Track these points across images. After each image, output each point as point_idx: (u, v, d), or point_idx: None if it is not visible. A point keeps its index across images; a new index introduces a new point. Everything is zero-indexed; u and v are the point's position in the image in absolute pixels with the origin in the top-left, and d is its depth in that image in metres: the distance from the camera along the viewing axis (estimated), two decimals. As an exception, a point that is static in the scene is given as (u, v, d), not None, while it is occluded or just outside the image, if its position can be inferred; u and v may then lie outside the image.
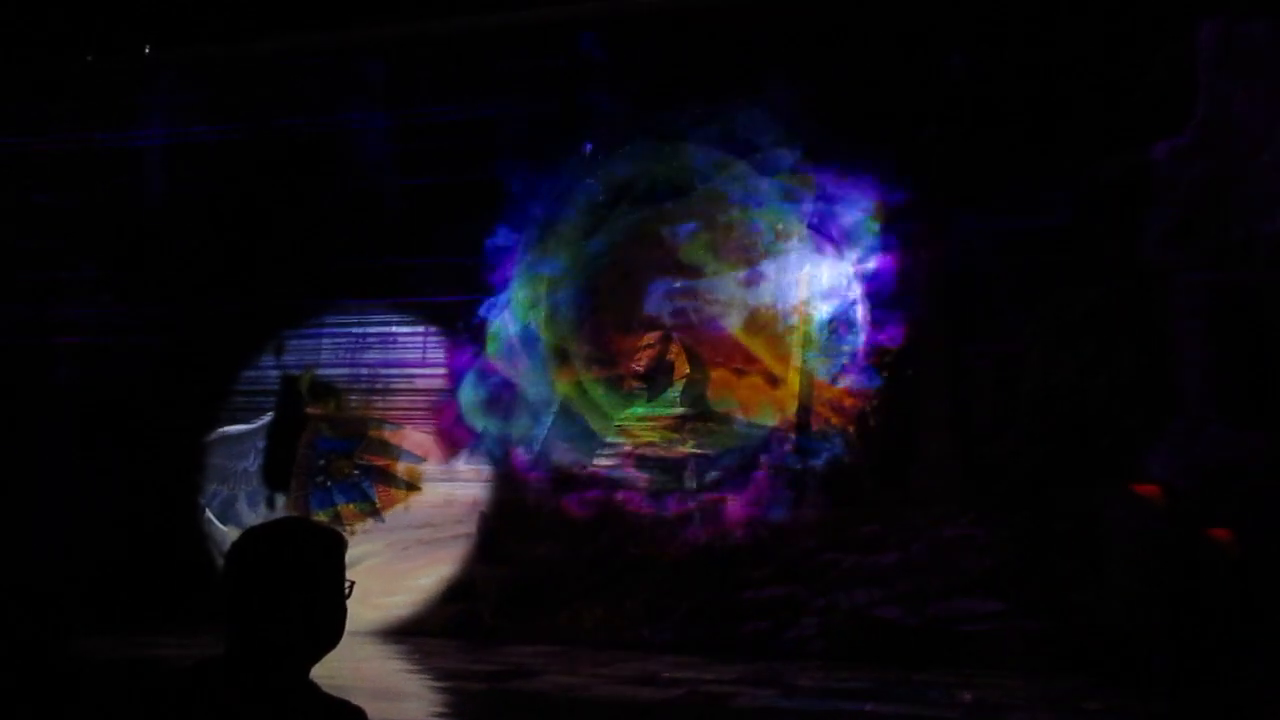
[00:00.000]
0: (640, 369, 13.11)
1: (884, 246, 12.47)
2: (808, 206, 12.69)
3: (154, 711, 1.77)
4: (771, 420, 12.80)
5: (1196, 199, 10.73)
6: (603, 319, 13.22)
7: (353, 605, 1.86)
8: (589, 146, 13.34)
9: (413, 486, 13.59)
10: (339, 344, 14.05)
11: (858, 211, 12.47)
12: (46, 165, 13.82)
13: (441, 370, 13.81)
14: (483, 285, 13.49)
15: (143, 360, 13.39)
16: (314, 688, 1.79)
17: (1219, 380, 10.20)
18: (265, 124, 13.62)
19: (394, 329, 14.04)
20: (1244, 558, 8.38)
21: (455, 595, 12.84)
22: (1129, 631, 9.54)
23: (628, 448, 12.96)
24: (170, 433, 13.44)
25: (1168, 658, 9.03)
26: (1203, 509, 9.50)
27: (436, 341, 13.85)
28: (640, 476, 12.80)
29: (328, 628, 1.81)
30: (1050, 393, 11.33)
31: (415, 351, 13.97)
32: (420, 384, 13.90)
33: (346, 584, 1.85)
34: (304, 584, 1.79)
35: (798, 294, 12.80)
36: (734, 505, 12.43)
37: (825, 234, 12.67)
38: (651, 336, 13.11)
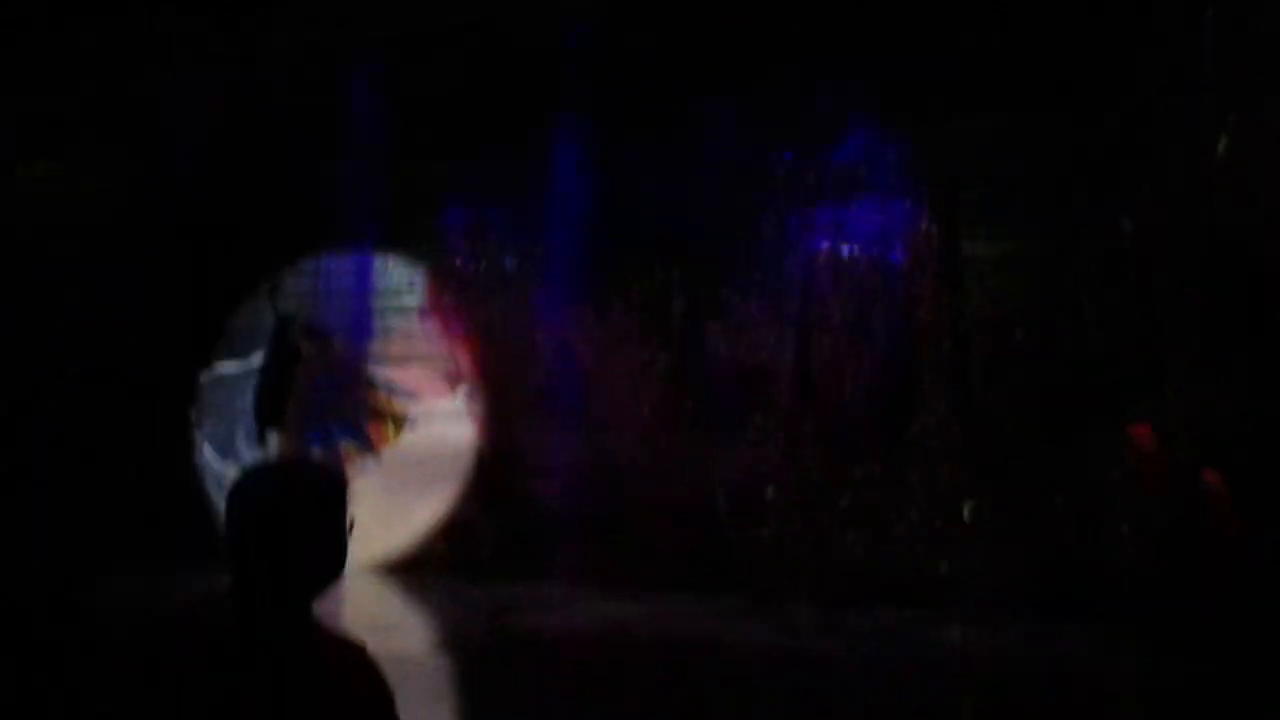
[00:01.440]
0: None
1: (881, 196, 12.42)
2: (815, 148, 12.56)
3: (159, 646, 1.80)
4: (768, 366, 12.85)
5: (1198, 149, 10.66)
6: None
7: (351, 543, 1.88)
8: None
9: (406, 424, 13.65)
10: (333, 284, 14.04)
11: (857, 157, 12.38)
12: (48, 121, 13.62)
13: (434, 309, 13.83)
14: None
15: (140, 297, 13.35)
16: (316, 622, 1.82)
17: (1216, 332, 10.22)
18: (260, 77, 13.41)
19: (389, 268, 14.01)
20: (1235, 503, 8.46)
21: (452, 533, 12.95)
22: (1122, 574, 9.66)
23: (623, 391, 13.00)
24: (168, 369, 13.44)
25: (1159, 599, 9.15)
26: (1196, 452, 9.57)
27: (430, 283, 13.84)
28: (637, 418, 12.85)
29: (329, 565, 1.83)
30: (1049, 343, 11.35)
31: (410, 293, 13.97)
32: (415, 324, 13.91)
33: (348, 522, 1.86)
34: (306, 522, 1.81)
35: (804, 242, 12.78)
36: (731, 448, 12.49)
37: (828, 178, 12.59)
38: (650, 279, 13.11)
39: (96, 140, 13.54)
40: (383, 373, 13.90)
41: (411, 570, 12.33)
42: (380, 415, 13.79)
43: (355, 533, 1.87)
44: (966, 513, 11.26)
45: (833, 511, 11.77)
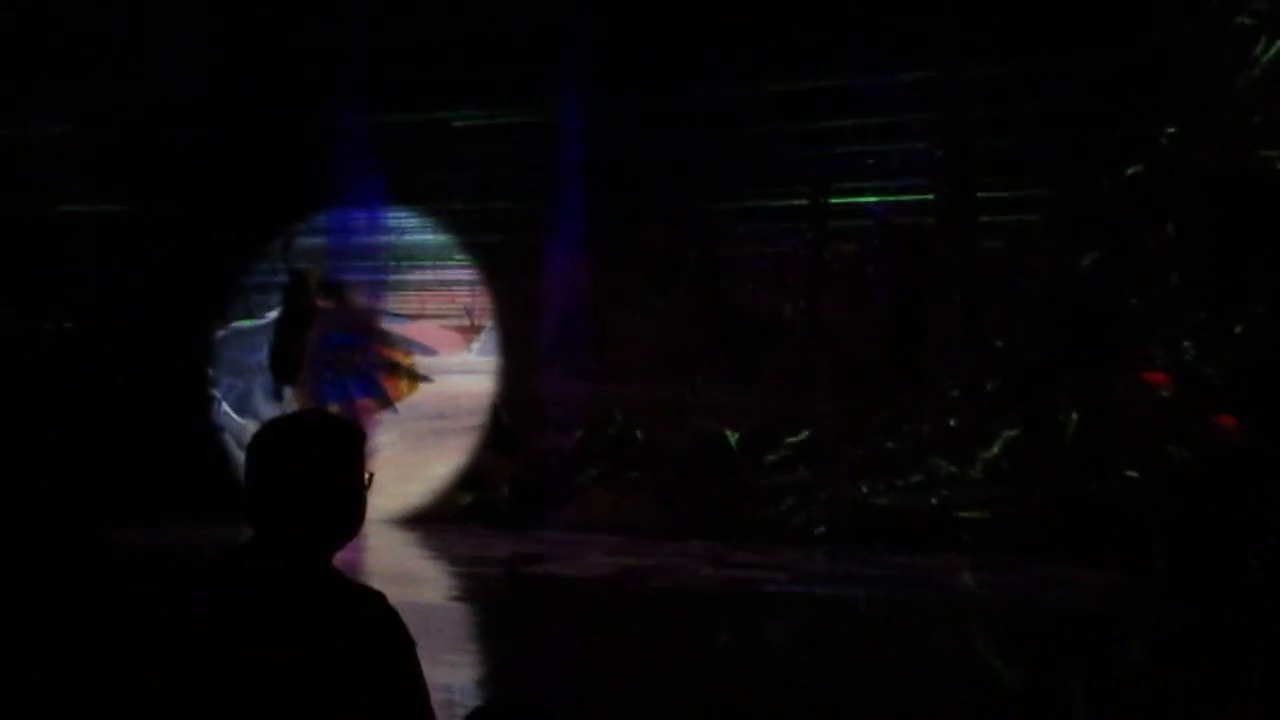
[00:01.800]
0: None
1: (892, 139, 12.32)
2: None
3: (179, 600, 1.83)
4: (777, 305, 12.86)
5: (1215, 83, 10.52)
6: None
7: (370, 495, 1.91)
8: None
9: (420, 378, 13.71)
10: (346, 240, 14.05)
11: (868, 102, 12.25)
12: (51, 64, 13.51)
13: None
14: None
15: (150, 256, 13.35)
16: (335, 574, 1.85)
17: (1232, 269, 10.14)
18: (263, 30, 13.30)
19: (404, 225, 14.02)
20: (1249, 446, 8.45)
21: (469, 484, 13.06)
22: (1132, 517, 9.69)
23: (635, 339, 13.03)
24: (182, 327, 13.47)
25: (1170, 543, 9.19)
26: (1210, 397, 9.55)
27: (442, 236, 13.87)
28: (650, 366, 12.89)
29: (348, 518, 1.86)
30: (1062, 280, 11.29)
31: (424, 247, 13.99)
32: (431, 278, 13.95)
33: (365, 475, 1.89)
34: (324, 475, 1.83)
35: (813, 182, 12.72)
36: (744, 393, 12.52)
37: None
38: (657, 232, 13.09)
39: (106, 93, 13.47)
40: (397, 327, 13.95)
41: (428, 521, 12.45)
42: (395, 369, 13.85)
43: (372, 485, 1.89)
44: (979, 458, 11.28)
45: (846, 457, 11.81)
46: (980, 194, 12.00)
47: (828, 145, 12.55)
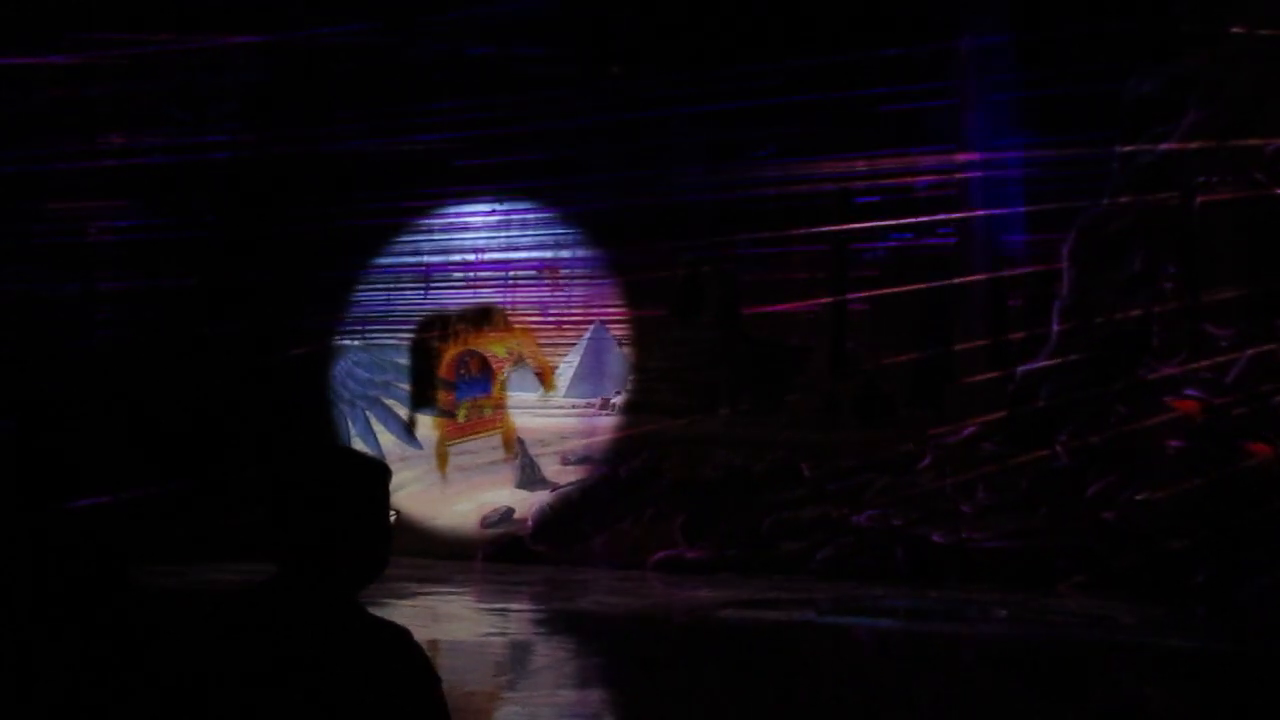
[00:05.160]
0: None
1: (917, 174, 12.35)
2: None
3: (204, 633, 1.84)
4: (804, 341, 12.84)
5: (1236, 108, 10.49)
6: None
7: (395, 531, 1.91)
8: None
9: (446, 414, 13.74)
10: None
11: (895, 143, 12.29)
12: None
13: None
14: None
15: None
16: (361, 610, 1.85)
17: (1256, 296, 10.06)
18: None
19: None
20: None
21: (495, 520, 13.05)
22: (1165, 546, 9.58)
23: (659, 372, 13.04)
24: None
25: (1204, 571, 9.07)
26: (1241, 425, 9.45)
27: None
28: (674, 400, 12.88)
29: (373, 555, 1.86)
30: (1088, 310, 11.23)
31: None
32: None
33: (391, 512, 1.89)
34: (349, 512, 1.84)
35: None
36: (769, 426, 12.49)
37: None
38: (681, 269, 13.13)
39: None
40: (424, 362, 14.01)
41: (453, 557, 12.43)
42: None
43: (399, 521, 1.91)
44: (1007, 489, 11.18)
45: (871, 489, 11.73)
46: (1007, 223, 11.99)
47: (854, 184, 12.59)
